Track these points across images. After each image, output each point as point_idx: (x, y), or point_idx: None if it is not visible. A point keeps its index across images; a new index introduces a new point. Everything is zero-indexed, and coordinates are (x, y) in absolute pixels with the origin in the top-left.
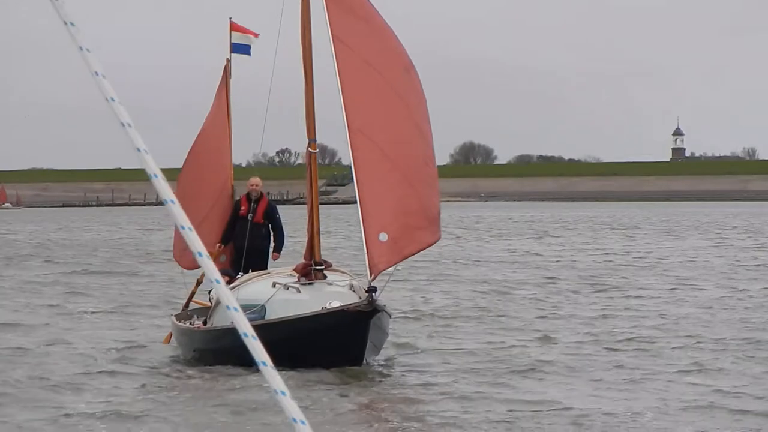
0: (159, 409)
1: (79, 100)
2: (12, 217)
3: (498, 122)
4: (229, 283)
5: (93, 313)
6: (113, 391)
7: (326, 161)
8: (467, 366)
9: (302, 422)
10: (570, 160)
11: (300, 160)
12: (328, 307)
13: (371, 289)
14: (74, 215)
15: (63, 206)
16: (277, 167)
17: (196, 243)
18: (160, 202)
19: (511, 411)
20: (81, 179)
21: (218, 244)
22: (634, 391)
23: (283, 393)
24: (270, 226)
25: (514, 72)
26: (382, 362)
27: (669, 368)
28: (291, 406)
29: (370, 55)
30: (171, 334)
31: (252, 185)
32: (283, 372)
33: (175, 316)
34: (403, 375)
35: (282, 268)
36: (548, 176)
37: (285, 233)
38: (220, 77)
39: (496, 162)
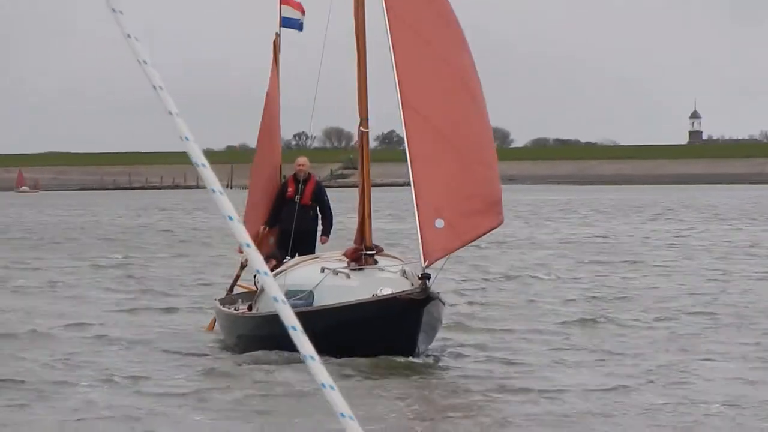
0: (207, 397)
1: (95, 84)
2: (32, 201)
3: (514, 105)
4: (275, 267)
5: (133, 300)
6: (162, 380)
7: (342, 144)
8: (523, 358)
9: (350, 417)
10: (587, 143)
11: (316, 144)
12: (379, 295)
13: (425, 276)
14: (101, 198)
15: (80, 190)
16: (293, 150)
17: (242, 233)
18: (176, 185)
19: (566, 404)
20: (98, 163)
21: (263, 227)
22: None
23: (331, 387)
24: (318, 208)
25: (530, 55)
26: (435, 352)
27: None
28: (339, 401)
29: (427, 30)
30: (214, 320)
31: (299, 165)
32: (331, 361)
33: (219, 300)
34: (456, 366)
35: (331, 253)
36: (565, 159)
37: (333, 215)
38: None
39: (513, 146)
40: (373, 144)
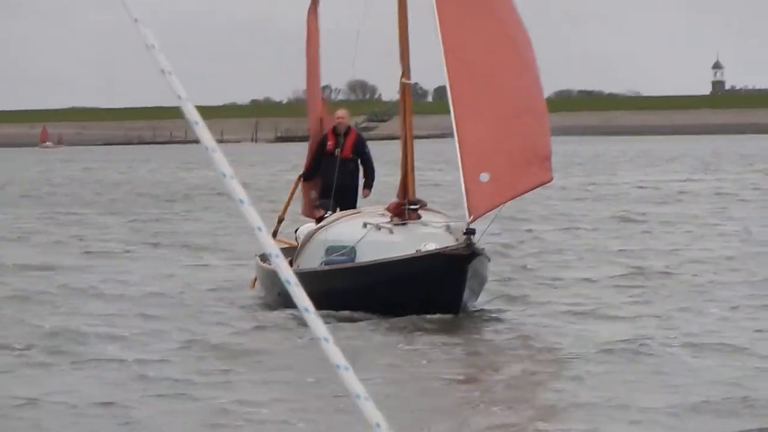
0: (258, 356)
1: (119, 37)
2: (62, 156)
3: (537, 57)
4: (320, 219)
5: (171, 256)
6: (205, 340)
7: (367, 96)
8: (573, 319)
9: (345, 368)
10: (610, 94)
11: (341, 96)
12: (423, 250)
13: (469, 231)
14: (129, 153)
15: (104, 145)
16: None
17: (253, 217)
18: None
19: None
20: (121, 118)
21: (299, 177)
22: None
23: (326, 340)
24: (359, 161)
25: (552, 7)
26: (480, 309)
27: None
28: (334, 353)
29: None
30: (256, 278)
31: (339, 118)
32: (372, 318)
33: (259, 256)
34: (501, 324)
35: (373, 207)
36: (589, 110)
37: (375, 168)
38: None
39: None
40: (395, 96)
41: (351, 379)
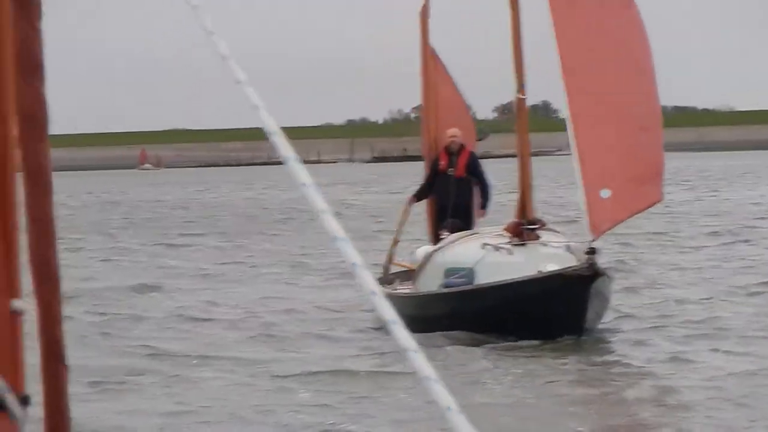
0: (381, 381)
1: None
2: (163, 178)
3: None
4: (437, 240)
5: (285, 276)
6: (326, 361)
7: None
8: (698, 339)
9: (434, 380)
10: (703, 109)
11: None
12: (544, 271)
13: (591, 251)
14: (225, 175)
15: (202, 166)
16: (413, 123)
17: (334, 228)
18: (305, 159)
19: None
20: (218, 139)
21: (410, 197)
22: None
23: (414, 351)
24: (474, 180)
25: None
26: (603, 332)
27: None
28: (422, 364)
29: None
30: None
31: (450, 137)
32: (492, 344)
33: (378, 279)
34: (626, 348)
35: (491, 228)
36: (684, 126)
37: (491, 186)
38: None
39: None
40: (491, 115)
41: (441, 392)
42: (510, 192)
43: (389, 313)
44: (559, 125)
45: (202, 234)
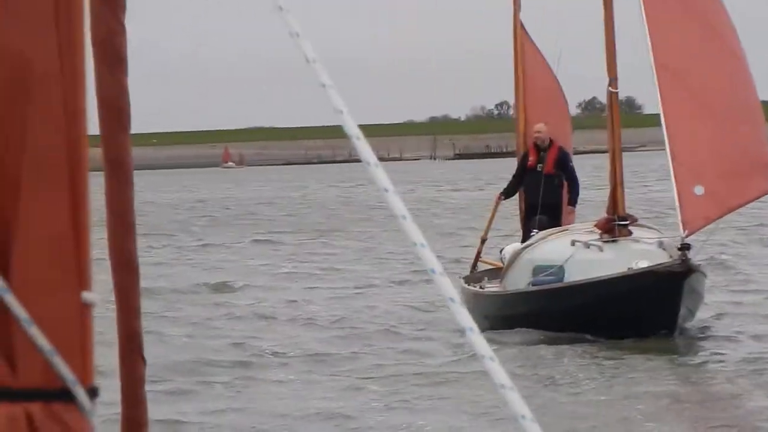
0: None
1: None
2: (246, 176)
3: None
4: (526, 237)
5: (371, 276)
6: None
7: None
8: None
9: (510, 388)
10: None
11: (511, 111)
12: (635, 268)
13: (685, 247)
14: (307, 173)
15: (284, 164)
16: (495, 120)
17: (414, 233)
18: (380, 158)
19: None
20: (299, 137)
21: (498, 194)
22: None
23: (491, 359)
24: (563, 176)
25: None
26: (697, 330)
27: None
28: (499, 372)
29: None
30: None
31: (536, 132)
32: (582, 342)
33: (463, 278)
34: (720, 347)
35: (581, 224)
36: None
37: (579, 183)
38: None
39: None
40: (574, 111)
41: (515, 400)
42: (597, 188)
43: (466, 320)
44: (644, 121)
45: (287, 232)
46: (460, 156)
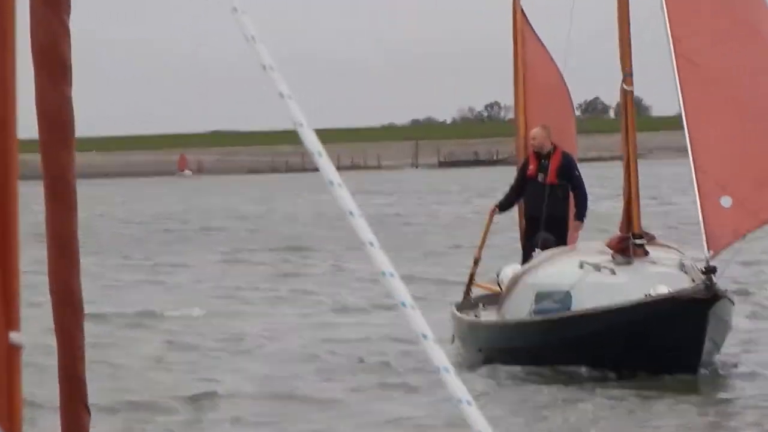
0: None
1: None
2: (204, 185)
3: None
4: (527, 257)
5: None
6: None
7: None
8: None
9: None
10: None
11: (510, 115)
12: (653, 294)
13: (710, 270)
14: (275, 182)
15: (249, 173)
16: (485, 123)
17: (399, 290)
18: (355, 165)
19: None
20: (266, 142)
21: (493, 206)
22: None
23: (468, 402)
24: (569, 186)
25: None
26: (722, 365)
27: None
28: (477, 417)
29: None
30: None
31: (532, 140)
32: (593, 380)
33: (455, 305)
34: (748, 384)
35: (590, 243)
36: None
37: (587, 194)
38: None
39: None
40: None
41: None
42: (603, 200)
43: (441, 360)
44: (654, 124)
45: (251, 249)
46: (445, 164)
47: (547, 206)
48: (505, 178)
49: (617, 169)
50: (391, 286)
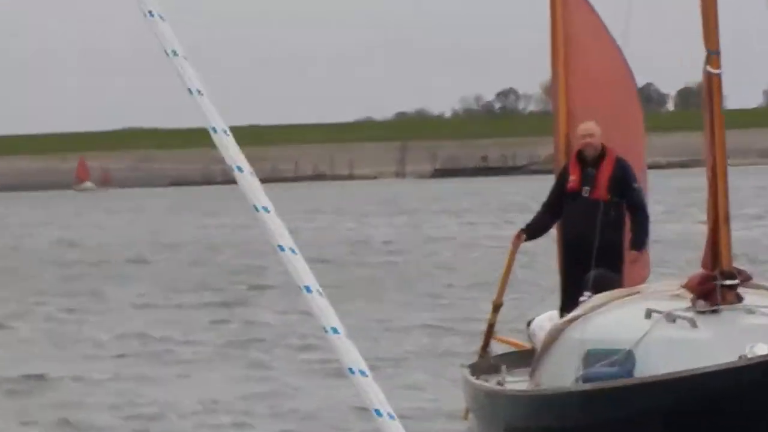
0: None
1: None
2: (111, 204)
3: None
4: (568, 304)
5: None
6: None
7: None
8: None
9: None
10: None
11: (531, 106)
12: (751, 354)
13: None
14: (209, 198)
15: (171, 185)
16: (498, 117)
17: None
18: (319, 175)
19: None
20: (197, 143)
21: (518, 233)
22: None
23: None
24: (623, 203)
25: None
26: None
27: None
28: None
29: None
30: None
31: (585, 137)
32: None
33: (469, 367)
34: None
35: (660, 283)
36: None
37: (648, 215)
38: None
39: None
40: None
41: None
42: (664, 221)
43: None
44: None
45: (168, 292)
46: (442, 172)
47: (593, 231)
48: (527, 191)
49: (678, 179)
50: (337, 346)
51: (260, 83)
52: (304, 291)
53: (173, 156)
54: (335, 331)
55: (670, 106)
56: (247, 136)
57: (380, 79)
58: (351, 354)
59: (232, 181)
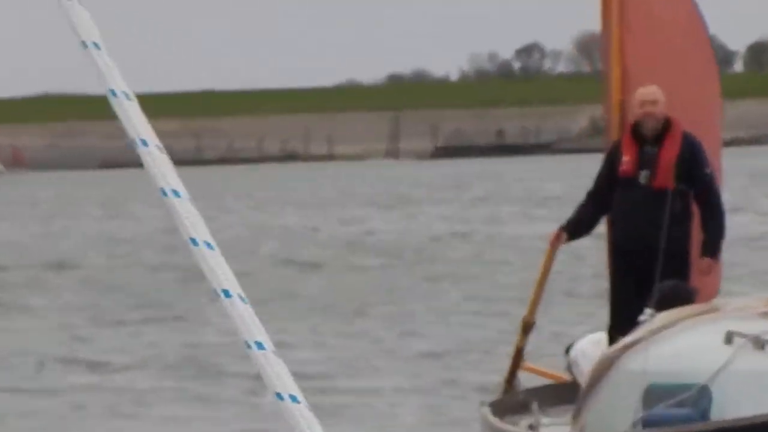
0: None
1: None
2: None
3: None
4: (619, 326)
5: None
6: None
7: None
8: None
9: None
10: None
11: (561, 67)
12: None
13: None
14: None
15: (101, 167)
16: (518, 80)
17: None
18: (291, 154)
19: None
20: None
21: (558, 231)
22: None
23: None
24: (690, 194)
25: None
26: None
27: None
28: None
29: None
30: None
31: (645, 104)
32: None
33: (490, 406)
34: None
35: (742, 299)
36: None
37: (724, 210)
38: None
39: None
40: None
41: None
42: (732, 213)
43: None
44: None
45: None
46: (446, 151)
47: (654, 228)
48: (557, 176)
49: (748, 159)
50: (264, 366)
51: (215, 38)
52: (223, 296)
53: (104, 129)
54: (260, 346)
55: (738, 66)
56: (198, 104)
57: (368, 33)
58: (280, 375)
59: (183, 163)
